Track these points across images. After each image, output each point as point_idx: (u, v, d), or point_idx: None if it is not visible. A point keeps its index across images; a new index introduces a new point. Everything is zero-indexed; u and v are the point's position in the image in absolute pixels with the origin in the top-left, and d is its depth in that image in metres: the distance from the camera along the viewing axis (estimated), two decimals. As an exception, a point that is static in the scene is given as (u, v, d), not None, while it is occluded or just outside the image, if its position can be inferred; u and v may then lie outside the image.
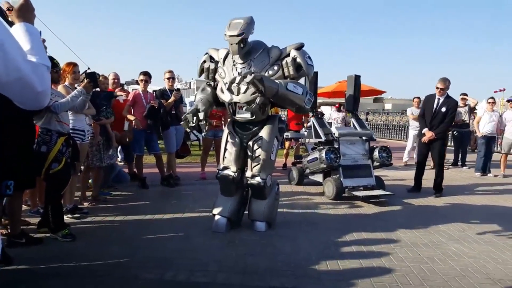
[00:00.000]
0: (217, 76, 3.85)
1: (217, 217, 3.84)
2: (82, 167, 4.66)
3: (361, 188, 5.47)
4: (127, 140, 5.50)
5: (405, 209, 4.98)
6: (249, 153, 3.77)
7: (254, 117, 3.68)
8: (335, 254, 3.30)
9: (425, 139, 5.88)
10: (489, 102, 8.32)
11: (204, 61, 3.95)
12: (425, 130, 5.90)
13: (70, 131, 3.91)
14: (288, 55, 3.66)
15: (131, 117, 5.49)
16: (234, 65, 3.72)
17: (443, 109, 5.80)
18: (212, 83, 3.95)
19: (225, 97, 3.72)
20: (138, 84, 5.99)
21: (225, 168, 3.84)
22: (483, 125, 8.09)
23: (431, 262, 3.18)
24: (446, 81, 5.84)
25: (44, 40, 1.67)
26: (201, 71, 3.98)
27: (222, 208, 3.82)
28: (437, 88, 5.83)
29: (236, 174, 3.79)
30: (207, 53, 3.98)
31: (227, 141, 3.87)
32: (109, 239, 3.57)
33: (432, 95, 6.00)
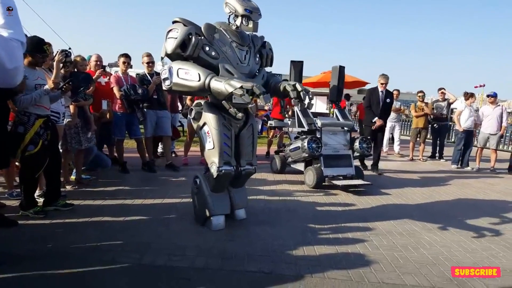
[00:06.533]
0: (202, 55, 3.23)
1: (216, 216, 3.54)
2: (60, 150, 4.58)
3: (341, 177, 5.57)
4: (107, 117, 5.42)
5: (382, 199, 5.09)
6: (243, 142, 3.58)
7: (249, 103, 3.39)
8: (312, 241, 3.37)
9: (377, 126, 6.80)
10: (468, 98, 8.49)
11: (190, 33, 3.15)
12: (376, 119, 6.81)
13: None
14: (264, 46, 3.63)
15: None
16: (236, 46, 3.36)
17: (388, 100, 6.96)
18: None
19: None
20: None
21: (225, 163, 3.41)
22: (464, 120, 8.24)
23: (404, 250, 3.29)
24: (387, 77, 6.94)
25: None
26: (182, 44, 3.16)
27: (222, 207, 3.58)
28: (382, 83, 6.88)
29: (235, 167, 3.50)
30: (186, 25, 3.20)
31: (225, 136, 3.40)
32: (87, 222, 3.53)
33: (375, 88, 7.01)
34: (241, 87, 2.88)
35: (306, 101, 3.27)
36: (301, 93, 3.25)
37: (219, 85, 3.01)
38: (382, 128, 7.04)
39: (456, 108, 9.50)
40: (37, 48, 3.46)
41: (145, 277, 2.55)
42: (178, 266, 2.73)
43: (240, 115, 3.12)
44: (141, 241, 3.12)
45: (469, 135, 8.29)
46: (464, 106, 8.36)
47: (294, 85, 3.32)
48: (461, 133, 8.31)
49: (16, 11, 1.29)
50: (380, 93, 6.86)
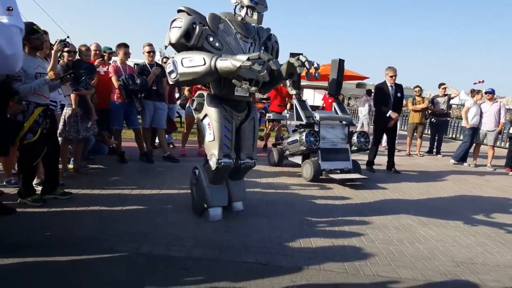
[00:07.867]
0: (206, 46, 3.21)
1: (214, 208, 3.57)
2: (60, 139, 4.58)
3: (338, 171, 5.59)
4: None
5: (379, 193, 5.12)
6: (244, 135, 3.57)
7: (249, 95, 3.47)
8: (308, 233, 3.39)
9: (393, 122, 6.51)
10: (474, 95, 8.44)
11: (194, 23, 3.11)
12: (390, 112, 6.44)
13: None
14: (270, 38, 3.61)
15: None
16: (240, 38, 3.36)
17: (399, 94, 6.57)
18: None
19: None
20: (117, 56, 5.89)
21: (225, 156, 3.41)
22: (471, 117, 8.12)
23: (400, 244, 3.32)
24: (395, 69, 6.55)
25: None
26: (186, 34, 3.12)
27: (220, 199, 3.61)
28: (391, 76, 6.50)
29: (234, 160, 3.50)
30: (190, 14, 3.18)
31: (226, 129, 3.40)
32: (85, 211, 3.54)
33: (383, 83, 6.60)
34: (248, 59, 2.83)
35: (312, 70, 3.16)
36: (306, 63, 3.11)
37: (225, 63, 2.96)
38: (394, 125, 6.67)
39: (462, 105, 9.42)
40: (29, 32, 3.41)
41: (143, 266, 2.56)
42: (176, 256, 2.75)
43: (253, 89, 3.08)
44: (139, 231, 3.14)
45: (474, 132, 8.27)
46: (472, 103, 8.28)
47: (298, 57, 3.20)
48: (468, 129, 8.24)
49: (16, 6, 1.28)
50: (390, 88, 6.50)
